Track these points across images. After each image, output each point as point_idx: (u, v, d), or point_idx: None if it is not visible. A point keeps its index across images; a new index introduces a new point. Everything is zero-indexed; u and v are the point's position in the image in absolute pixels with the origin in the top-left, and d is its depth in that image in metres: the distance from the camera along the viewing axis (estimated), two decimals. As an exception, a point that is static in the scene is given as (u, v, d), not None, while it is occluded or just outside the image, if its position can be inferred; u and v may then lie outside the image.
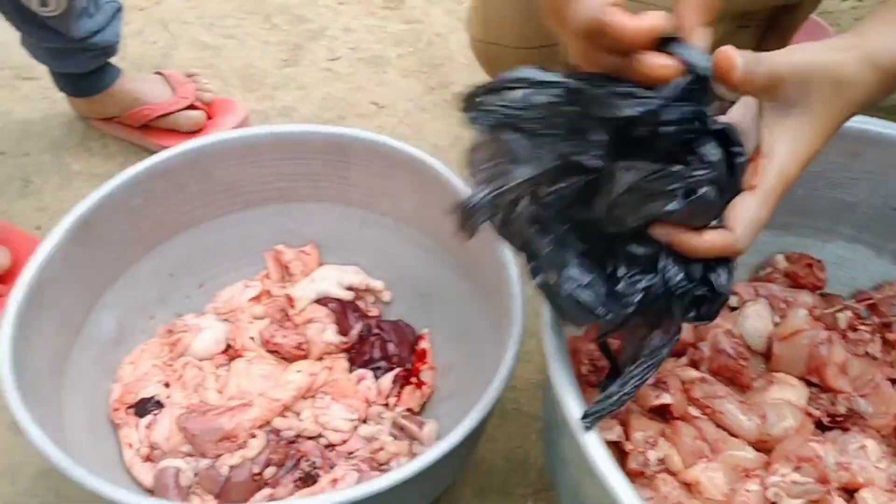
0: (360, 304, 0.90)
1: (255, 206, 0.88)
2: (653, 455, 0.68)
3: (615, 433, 0.69)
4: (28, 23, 1.06)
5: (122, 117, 1.21)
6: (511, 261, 0.72)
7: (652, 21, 0.47)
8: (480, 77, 1.32)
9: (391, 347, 0.86)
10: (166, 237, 0.84)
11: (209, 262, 0.90)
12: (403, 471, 0.59)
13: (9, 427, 0.89)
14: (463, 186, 0.77)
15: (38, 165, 1.18)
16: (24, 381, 0.66)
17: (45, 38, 1.09)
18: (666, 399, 0.72)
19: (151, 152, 1.16)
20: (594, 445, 0.54)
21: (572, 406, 0.55)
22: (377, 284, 0.90)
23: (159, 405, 0.79)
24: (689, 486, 0.66)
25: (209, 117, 1.22)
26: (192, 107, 1.21)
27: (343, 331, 0.86)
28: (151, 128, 1.21)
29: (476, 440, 0.75)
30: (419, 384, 0.85)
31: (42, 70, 1.28)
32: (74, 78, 1.17)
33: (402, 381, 0.85)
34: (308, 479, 0.75)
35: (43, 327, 0.72)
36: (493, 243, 0.74)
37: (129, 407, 0.79)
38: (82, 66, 1.15)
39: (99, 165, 1.18)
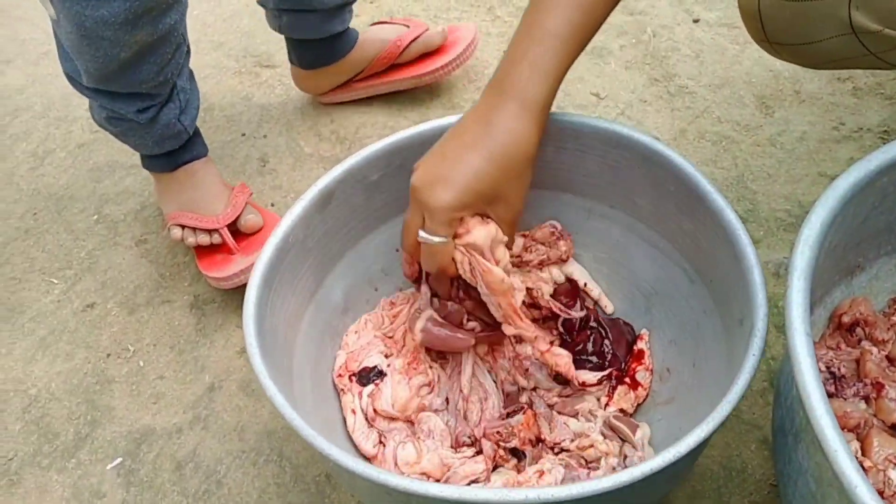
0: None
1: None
2: (894, 474, 0.63)
3: (852, 448, 0.64)
4: None
5: (366, 70, 1.25)
6: (756, 266, 0.67)
7: None
8: (706, 69, 1.27)
9: (606, 344, 0.84)
10: (396, 213, 0.86)
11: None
12: (622, 476, 0.56)
13: (241, 387, 0.96)
14: (703, 183, 0.74)
15: (274, 147, 1.26)
16: (263, 343, 0.70)
17: None
18: (914, 416, 0.66)
19: (398, 93, 1.29)
20: (844, 458, 0.50)
21: (822, 411, 0.51)
22: (594, 290, 0.89)
23: (381, 374, 0.81)
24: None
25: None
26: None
27: (570, 305, 0.86)
28: (400, 66, 1.27)
29: (700, 451, 0.72)
30: (634, 385, 0.82)
31: (281, 58, 1.37)
32: (330, 41, 1.21)
33: (617, 382, 0.83)
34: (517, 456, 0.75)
35: (283, 291, 0.77)
36: (735, 247, 0.70)
37: (352, 375, 0.82)
38: (345, 21, 1.20)
39: (328, 150, 1.24)
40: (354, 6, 1.20)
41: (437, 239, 0.71)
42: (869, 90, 1.19)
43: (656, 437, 0.78)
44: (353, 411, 0.79)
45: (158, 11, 0.89)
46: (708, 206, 0.73)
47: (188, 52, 1.01)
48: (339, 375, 0.82)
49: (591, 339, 0.85)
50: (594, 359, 0.84)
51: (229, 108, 1.33)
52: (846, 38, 0.71)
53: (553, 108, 0.75)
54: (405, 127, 1.24)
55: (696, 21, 1.37)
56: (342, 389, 0.82)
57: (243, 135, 1.28)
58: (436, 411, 0.80)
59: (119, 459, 0.91)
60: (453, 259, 0.73)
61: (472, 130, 0.70)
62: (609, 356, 0.84)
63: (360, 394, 0.80)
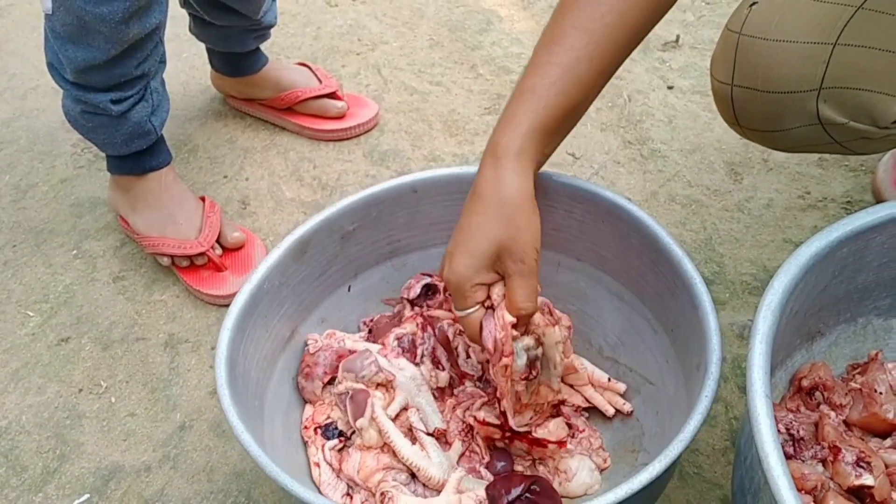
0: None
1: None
2: (849, 538, 0.65)
3: (808, 510, 0.66)
4: (217, 8, 1.19)
5: (268, 100, 1.36)
6: (710, 312, 0.71)
7: None
8: (678, 135, 1.32)
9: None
10: (372, 264, 0.89)
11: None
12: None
13: (211, 427, 0.97)
14: (663, 235, 0.77)
15: (255, 190, 1.28)
16: (235, 384, 0.72)
17: (227, 19, 1.22)
18: (867, 480, 0.68)
19: (291, 133, 1.36)
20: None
21: (779, 472, 0.53)
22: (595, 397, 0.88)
23: (343, 434, 0.82)
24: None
25: None
26: (335, 97, 1.35)
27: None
28: (295, 111, 1.37)
29: (654, 496, 0.74)
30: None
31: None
32: (236, 58, 1.32)
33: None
34: None
35: (256, 336, 0.78)
36: (692, 295, 0.73)
37: (317, 427, 0.83)
38: (246, 45, 1.29)
39: (309, 195, 1.26)
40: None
41: (462, 312, 0.73)
42: (834, 162, 1.24)
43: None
44: (317, 464, 0.80)
45: (145, 9, 0.96)
46: (667, 257, 0.77)
47: (164, 60, 1.09)
48: (306, 427, 0.83)
49: None
50: None
51: (213, 149, 1.35)
52: (813, 128, 0.76)
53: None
54: (386, 176, 1.28)
55: (670, 88, 1.42)
56: (308, 441, 0.82)
57: (225, 177, 1.30)
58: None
59: (86, 496, 0.91)
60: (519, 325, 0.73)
61: (467, 201, 0.73)
62: None
63: (324, 447, 0.80)
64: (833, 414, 0.77)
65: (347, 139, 1.36)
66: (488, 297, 0.73)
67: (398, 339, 0.86)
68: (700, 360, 0.70)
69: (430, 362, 0.85)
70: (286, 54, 1.56)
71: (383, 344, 0.86)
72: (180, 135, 1.38)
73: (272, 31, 1.33)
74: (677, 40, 1.51)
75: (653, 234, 0.78)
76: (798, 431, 0.74)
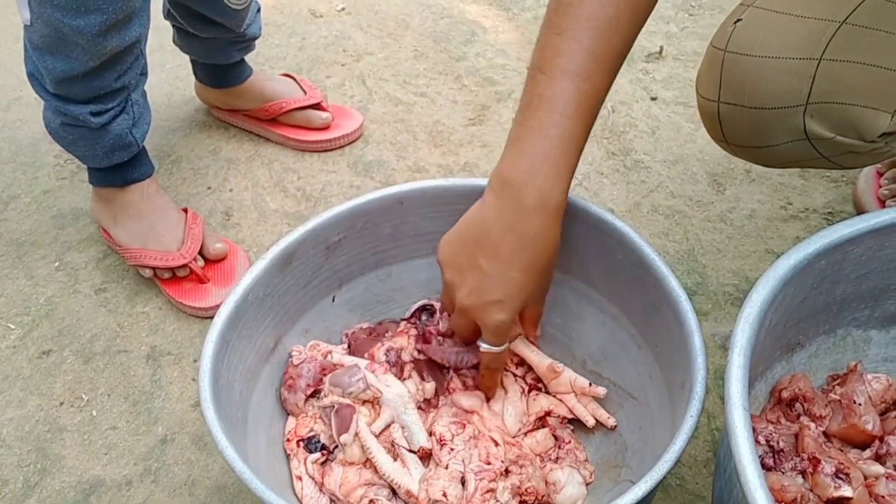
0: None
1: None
2: (828, 549, 0.65)
3: (790, 520, 0.66)
4: (201, 20, 1.19)
5: (253, 111, 1.36)
6: (696, 331, 0.71)
7: None
8: (661, 146, 1.32)
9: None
10: (357, 275, 0.89)
11: (394, 302, 0.94)
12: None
13: (193, 440, 0.96)
14: (649, 251, 0.77)
15: (239, 202, 1.27)
16: (218, 396, 0.71)
17: (210, 32, 1.22)
18: (846, 492, 0.69)
19: (276, 144, 1.37)
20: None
21: (756, 485, 0.54)
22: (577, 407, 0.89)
23: (325, 447, 0.81)
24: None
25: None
26: (319, 107, 1.35)
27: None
28: (279, 122, 1.36)
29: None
30: None
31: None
32: (220, 69, 1.32)
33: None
34: None
35: (240, 347, 0.78)
36: (677, 312, 0.73)
37: (300, 440, 0.82)
38: (230, 57, 1.29)
39: (293, 206, 1.26)
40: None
41: (498, 349, 0.78)
42: (816, 173, 1.25)
43: (607, 502, 0.79)
44: (299, 478, 0.79)
45: (124, 23, 0.95)
46: (653, 273, 0.77)
47: (145, 72, 1.08)
48: (288, 440, 0.83)
49: None
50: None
51: (197, 160, 1.35)
52: (801, 144, 0.76)
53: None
54: (371, 187, 1.28)
55: (653, 99, 1.43)
56: (290, 454, 0.82)
57: (209, 188, 1.30)
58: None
59: (66, 510, 0.90)
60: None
61: (506, 243, 0.72)
62: None
63: (306, 460, 0.80)
64: (813, 425, 0.77)
65: (332, 150, 1.36)
66: None
67: (387, 352, 0.86)
68: (685, 378, 0.70)
69: (416, 375, 0.85)
70: (271, 65, 1.56)
71: (372, 357, 0.86)
72: (164, 146, 1.38)
73: (256, 42, 1.33)
74: (661, 52, 1.52)
75: (638, 250, 0.78)
76: (778, 443, 0.74)
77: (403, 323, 0.91)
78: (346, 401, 0.80)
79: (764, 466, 0.72)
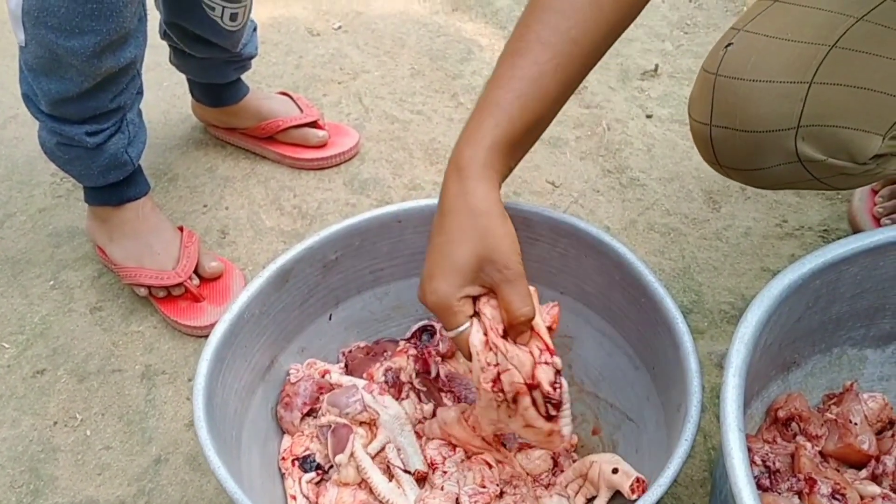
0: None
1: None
2: (825, 570, 0.65)
3: (786, 540, 0.66)
4: (197, 41, 1.19)
5: (249, 129, 1.36)
6: (692, 353, 0.70)
7: None
8: (657, 163, 1.33)
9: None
10: (353, 293, 0.89)
11: (391, 320, 0.94)
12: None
13: (187, 460, 0.96)
14: (645, 273, 0.77)
15: (235, 220, 1.27)
16: (212, 416, 0.71)
17: (207, 52, 1.22)
18: (843, 512, 0.68)
19: (272, 162, 1.37)
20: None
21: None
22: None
23: (320, 467, 0.81)
24: None
25: None
26: (316, 125, 1.36)
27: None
28: (276, 140, 1.37)
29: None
30: None
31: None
32: (217, 89, 1.32)
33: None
34: None
35: (236, 365, 0.78)
36: (673, 334, 0.73)
37: (295, 459, 0.82)
38: (227, 76, 1.30)
39: (289, 224, 1.26)
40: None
41: (454, 332, 0.69)
42: (811, 191, 1.25)
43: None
44: (294, 497, 0.79)
45: (119, 44, 0.95)
46: (650, 294, 0.77)
47: (141, 91, 1.08)
48: (283, 458, 0.82)
49: None
50: None
51: (193, 178, 1.35)
52: (793, 166, 0.77)
53: (509, 195, 0.77)
54: (367, 205, 1.28)
55: (649, 117, 1.43)
56: (285, 473, 0.82)
57: (205, 206, 1.30)
58: None
59: (59, 531, 0.90)
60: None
61: (436, 220, 0.71)
62: None
63: (300, 480, 0.80)
64: (809, 445, 0.77)
65: (328, 168, 1.36)
66: (476, 312, 0.69)
67: (386, 372, 0.86)
68: (681, 401, 0.70)
69: (414, 395, 0.85)
70: (267, 83, 1.56)
71: (370, 377, 0.86)
72: (160, 164, 1.38)
73: (253, 61, 1.33)
74: (656, 69, 1.53)
75: (635, 271, 0.78)
76: (774, 463, 0.74)
77: (403, 343, 0.91)
78: (343, 421, 0.80)
79: (760, 487, 0.72)
